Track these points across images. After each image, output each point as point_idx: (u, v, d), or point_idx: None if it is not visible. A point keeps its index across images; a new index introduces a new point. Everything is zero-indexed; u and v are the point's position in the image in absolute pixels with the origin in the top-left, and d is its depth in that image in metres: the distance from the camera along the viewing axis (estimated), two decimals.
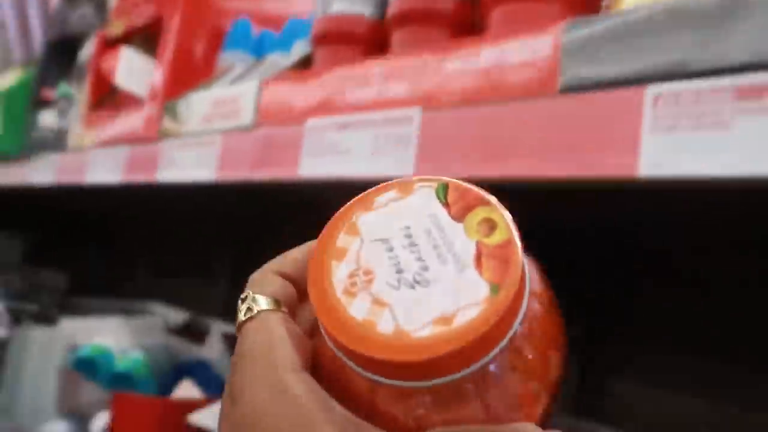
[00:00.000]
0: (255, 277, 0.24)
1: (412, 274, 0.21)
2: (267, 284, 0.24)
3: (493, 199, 0.22)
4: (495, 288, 0.20)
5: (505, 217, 0.22)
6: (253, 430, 0.21)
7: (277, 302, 0.24)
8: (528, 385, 0.22)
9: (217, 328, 0.83)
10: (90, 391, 0.80)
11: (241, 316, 0.23)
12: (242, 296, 0.24)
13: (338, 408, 0.21)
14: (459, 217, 0.22)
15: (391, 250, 0.22)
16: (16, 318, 1.00)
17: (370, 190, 0.24)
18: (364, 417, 0.21)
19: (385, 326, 0.20)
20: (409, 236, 0.22)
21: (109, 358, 0.77)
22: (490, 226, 0.22)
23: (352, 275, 0.22)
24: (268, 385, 0.21)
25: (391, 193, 0.23)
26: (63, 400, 0.74)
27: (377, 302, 0.21)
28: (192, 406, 0.64)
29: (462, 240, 0.22)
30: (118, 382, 0.76)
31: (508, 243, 0.21)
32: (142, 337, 0.84)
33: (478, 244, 0.21)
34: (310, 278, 0.22)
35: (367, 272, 0.22)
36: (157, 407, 0.64)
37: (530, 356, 0.22)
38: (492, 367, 0.21)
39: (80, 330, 0.85)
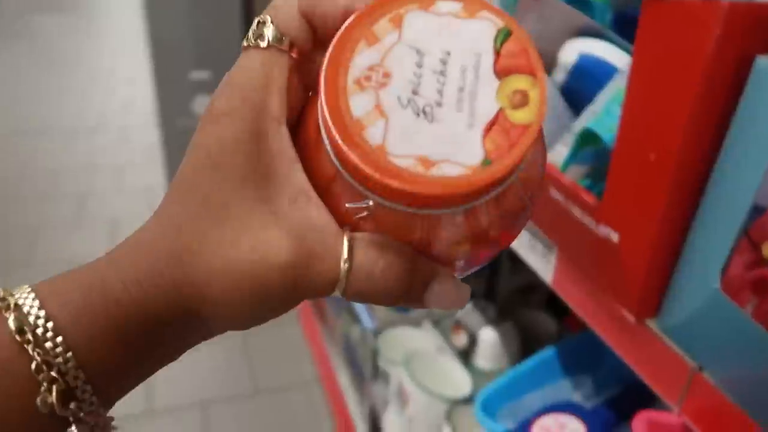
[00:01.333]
0: (279, 3, 0.23)
1: (424, 103, 0.20)
2: (287, 18, 0.22)
3: (542, 73, 0.20)
4: (487, 162, 0.20)
5: (540, 98, 0.20)
6: (216, 159, 0.21)
7: (290, 44, 0.22)
8: (462, 246, 0.22)
9: None
10: None
11: (251, 39, 0.22)
12: (260, 18, 0.23)
13: (300, 173, 0.21)
14: (501, 73, 0.20)
15: (420, 66, 0.20)
16: None
17: None
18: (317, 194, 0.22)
19: (372, 135, 0.20)
20: (444, 62, 0.20)
21: None
22: (523, 99, 0.20)
23: (371, 68, 0.20)
24: (247, 124, 0.21)
25: (456, 5, 0.21)
26: None
27: (378, 109, 0.20)
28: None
29: (489, 98, 0.20)
30: None
31: (527, 128, 0.20)
32: None
33: (500, 112, 0.20)
34: (333, 44, 0.21)
35: (386, 74, 0.20)
36: None
37: (482, 227, 0.22)
38: (443, 218, 0.21)
39: None
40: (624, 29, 0.54)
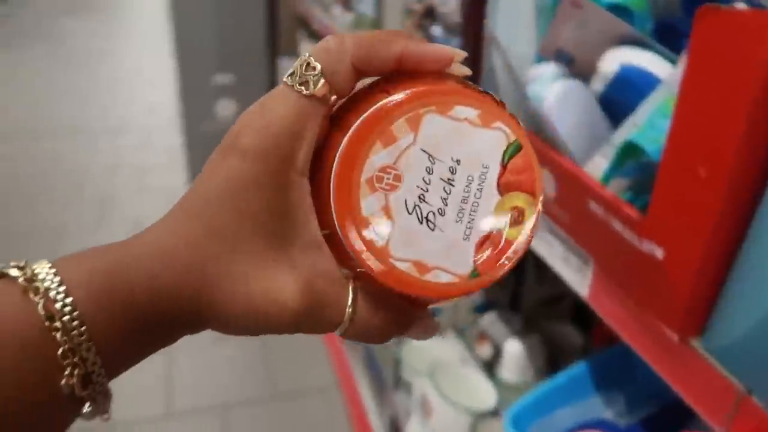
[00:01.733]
0: (332, 47, 0.23)
1: (428, 210, 0.22)
2: (337, 69, 0.22)
3: (541, 193, 0.22)
4: (474, 274, 0.22)
5: (534, 220, 0.22)
6: (236, 195, 0.22)
7: (330, 91, 0.23)
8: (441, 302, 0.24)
9: None
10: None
11: (295, 81, 0.22)
12: (309, 60, 0.22)
13: (314, 224, 0.23)
14: (503, 188, 0.22)
15: (430, 172, 0.22)
16: None
17: (461, 89, 0.22)
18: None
19: (377, 233, 0.21)
20: (453, 171, 0.22)
21: None
22: (519, 218, 0.22)
23: (384, 169, 0.22)
24: (272, 171, 0.22)
25: (473, 112, 0.22)
26: (547, 41, 0.59)
27: (386, 211, 0.21)
28: None
29: (488, 212, 0.22)
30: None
31: (517, 249, 0.22)
32: None
33: (496, 230, 0.22)
34: (350, 137, 0.22)
35: (398, 177, 0.22)
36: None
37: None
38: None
39: None
40: (665, 38, 0.53)
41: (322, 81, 0.22)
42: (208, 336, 1.26)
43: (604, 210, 0.47)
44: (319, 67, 0.22)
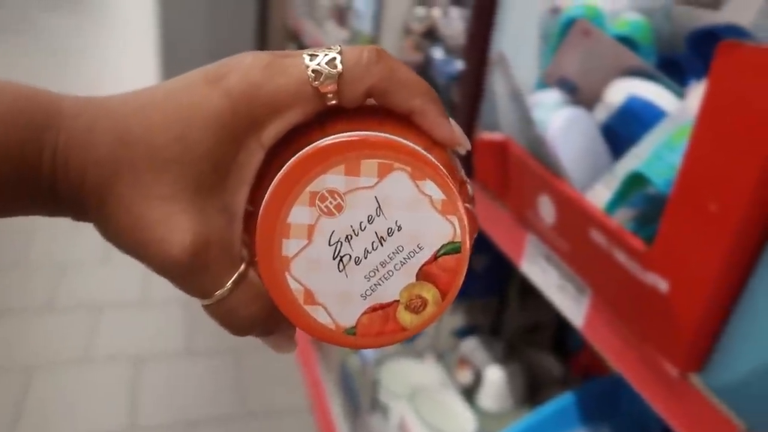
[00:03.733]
0: (363, 61, 0.22)
1: (347, 253, 0.21)
2: (356, 83, 0.22)
3: (449, 301, 0.22)
4: (350, 331, 0.22)
5: (429, 317, 0.22)
6: (191, 130, 0.21)
7: (334, 96, 0.22)
8: None
9: None
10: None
11: (312, 65, 0.22)
12: (334, 55, 0.22)
13: (242, 196, 0.23)
14: (422, 275, 0.22)
15: (370, 221, 0.22)
16: None
17: (442, 165, 0.22)
18: None
19: (288, 244, 0.21)
20: (390, 233, 0.22)
21: (600, 21, 0.59)
22: (419, 308, 0.22)
23: (332, 193, 0.21)
24: (242, 125, 0.21)
25: (439, 195, 0.22)
26: (552, 68, 0.59)
27: (310, 229, 0.21)
28: None
29: (396, 287, 0.22)
30: None
31: (403, 331, 0.22)
32: None
33: (394, 303, 0.22)
34: (323, 147, 0.21)
35: (339, 207, 0.21)
36: None
37: None
38: None
39: None
40: (668, 73, 0.54)
41: (334, 85, 0.22)
42: (179, 349, 1.22)
43: (607, 239, 0.46)
44: (340, 69, 0.22)
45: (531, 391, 0.96)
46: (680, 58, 0.57)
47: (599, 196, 0.51)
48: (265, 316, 0.23)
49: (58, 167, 0.21)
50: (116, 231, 0.22)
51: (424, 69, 0.78)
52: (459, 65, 0.71)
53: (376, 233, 0.21)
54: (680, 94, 0.51)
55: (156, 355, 1.55)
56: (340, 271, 0.21)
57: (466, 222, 0.22)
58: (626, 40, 0.56)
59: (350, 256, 0.21)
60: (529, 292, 1.04)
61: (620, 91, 0.51)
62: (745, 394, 0.39)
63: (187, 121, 0.21)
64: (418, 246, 0.22)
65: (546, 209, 0.56)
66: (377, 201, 0.21)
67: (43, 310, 1.67)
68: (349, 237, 0.21)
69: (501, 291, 1.05)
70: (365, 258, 0.21)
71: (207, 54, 2.06)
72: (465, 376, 0.94)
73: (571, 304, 0.55)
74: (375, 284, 0.21)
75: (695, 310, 0.40)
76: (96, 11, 5.33)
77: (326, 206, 0.21)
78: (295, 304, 0.21)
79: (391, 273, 0.22)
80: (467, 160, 0.72)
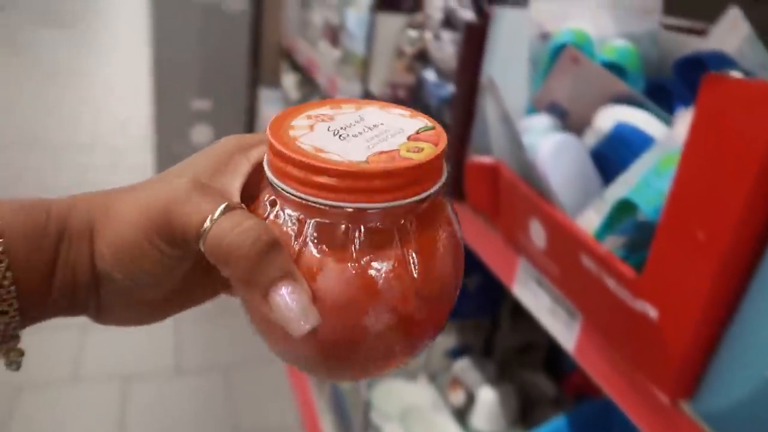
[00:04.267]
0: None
1: (345, 133, 0.25)
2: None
3: (443, 146, 0.25)
4: (364, 162, 0.23)
5: (435, 152, 0.24)
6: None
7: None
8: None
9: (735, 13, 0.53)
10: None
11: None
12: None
13: (236, 190, 0.27)
14: (410, 138, 0.25)
15: (357, 122, 0.26)
16: None
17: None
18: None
19: (295, 132, 0.25)
20: (375, 126, 0.26)
21: (589, 47, 0.60)
22: (418, 150, 0.24)
23: (322, 114, 0.27)
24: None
25: (404, 111, 0.28)
26: (542, 93, 0.59)
27: (311, 128, 0.25)
28: None
29: (392, 144, 0.25)
30: None
31: (411, 159, 0.24)
32: (628, 23, 0.62)
33: (395, 151, 0.24)
34: (308, 103, 0.28)
35: (330, 117, 0.26)
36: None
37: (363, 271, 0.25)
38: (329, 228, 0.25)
39: (551, 13, 0.64)
40: (655, 98, 0.54)
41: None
42: (168, 367, 1.21)
43: (597, 266, 0.47)
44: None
45: (524, 411, 0.95)
46: (667, 83, 0.58)
47: (589, 221, 0.51)
48: (263, 239, 0.23)
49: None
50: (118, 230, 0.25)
51: (417, 92, 0.79)
52: (451, 88, 0.72)
53: (365, 126, 0.26)
54: (668, 121, 0.51)
55: (144, 374, 1.53)
56: (341, 140, 0.24)
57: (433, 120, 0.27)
58: (614, 67, 0.57)
59: (348, 134, 0.25)
60: (521, 312, 1.04)
61: (609, 117, 0.52)
62: (734, 421, 0.39)
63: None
64: (400, 129, 0.26)
65: (537, 233, 0.56)
66: (358, 115, 0.27)
67: (30, 328, 1.65)
68: (343, 127, 0.25)
69: (493, 311, 1.05)
70: (361, 135, 0.25)
71: (200, 71, 2.07)
72: (457, 397, 0.93)
73: (562, 329, 0.56)
74: (373, 144, 0.24)
75: (684, 337, 0.40)
76: (89, 27, 5.34)
77: (319, 117, 0.26)
78: (309, 156, 0.23)
79: (385, 140, 0.25)
80: (458, 181, 0.72)
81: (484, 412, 0.88)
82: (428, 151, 0.24)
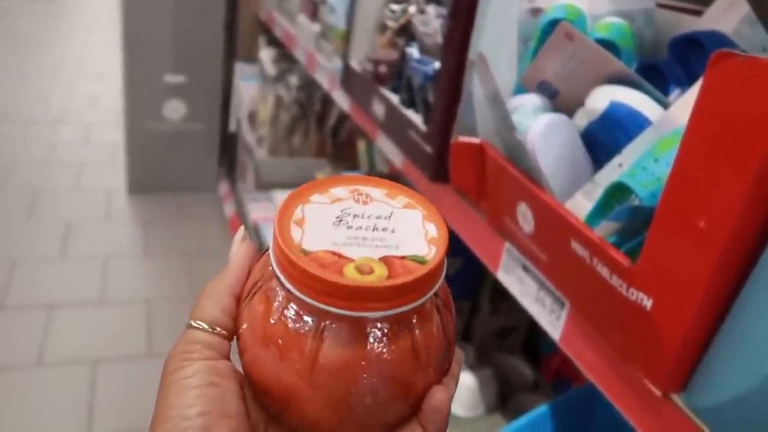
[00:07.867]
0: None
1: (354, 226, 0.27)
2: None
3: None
4: (306, 252, 0.25)
5: (371, 285, 0.24)
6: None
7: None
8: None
9: None
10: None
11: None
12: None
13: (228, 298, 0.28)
14: (383, 260, 0.25)
15: (362, 214, 0.28)
16: None
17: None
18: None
19: (295, 234, 0.26)
20: (387, 218, 0.28)
21: (582, 23, 0.57)
22: (369, 271, 0.25)
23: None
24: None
25: (406, 199, 0.30)
26: (531, 72, 0.57)
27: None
28: None
29: (359, 252, 0.26)
30: None
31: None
32: (622, 0, 0.59)
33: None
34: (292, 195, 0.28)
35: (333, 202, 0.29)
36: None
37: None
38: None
39: None
40: (649, 79, 0.52)
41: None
42: (139, 351, 1.16)
43: (589, 252, 0.45)
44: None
45: (503, 396, 0.94)
46: (662, 63, 0.55)
47: (579, 205, 0.49)
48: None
49: None
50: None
51: (400, 67, 0.76)
52: (436, 65, 0.69)
53: (375, 224, 0.27)
54: (663, 102, 0.49)
55: (114, 358, 1.49)
56: (333, 223, 0.27)
57: (443, 261, 0.27)
58: (607, 44, 0.55)
59: (348, 221, 0.27)
60: (501, 295, 1.03)
61: (603, 97, 0.49)
62: (726, 415, 0.38)
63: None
64: (396, 246, 0.26)
65: (525, 217, 0.54)
66: (392, 214, 0.28)
67: None
68: (356, 215, 0.27)
69: (473, 295, 1.03)
70: (355, 229, 0.27)
71: (174, 44, 1.99)
72: None
73: (549, 317, 0.54)
74: (349, 242, 0.26)
75: (679, 329, 0.38)
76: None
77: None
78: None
79: (365, 244, 0.26)
80: (442, 162, 0.70)
81: (462, 398, 0.87)
82: (371, 278, 0.25)
